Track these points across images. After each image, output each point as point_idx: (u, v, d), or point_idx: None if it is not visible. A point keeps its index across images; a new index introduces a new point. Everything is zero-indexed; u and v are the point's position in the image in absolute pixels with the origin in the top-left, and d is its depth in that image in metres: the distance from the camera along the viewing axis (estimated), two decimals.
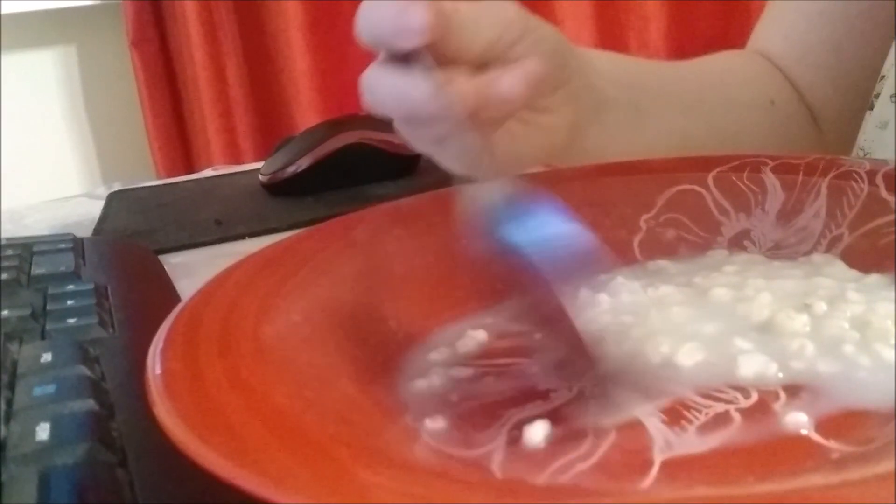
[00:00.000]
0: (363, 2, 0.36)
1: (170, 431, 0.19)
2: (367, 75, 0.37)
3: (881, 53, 0.54)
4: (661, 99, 0.51)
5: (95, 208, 0.64)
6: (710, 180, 0.36)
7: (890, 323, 0.26)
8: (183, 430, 0.19)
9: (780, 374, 0.25)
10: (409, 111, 0.36)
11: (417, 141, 0.39)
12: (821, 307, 0.27)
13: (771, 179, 0.35)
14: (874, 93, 0.51)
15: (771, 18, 0.61)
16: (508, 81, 0.36)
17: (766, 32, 0.61)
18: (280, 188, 0.62)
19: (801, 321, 0.27)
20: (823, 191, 0.34)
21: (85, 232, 0.54)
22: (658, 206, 0.36)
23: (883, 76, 0.51)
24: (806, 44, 0.57)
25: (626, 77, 0.50)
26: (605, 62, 0.49)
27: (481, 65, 0.37)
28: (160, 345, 0.24)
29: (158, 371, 0.23)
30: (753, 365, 0.26)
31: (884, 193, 0.32)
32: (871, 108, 0.51)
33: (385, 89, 0.37)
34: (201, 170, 0.87)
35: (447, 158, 0.37)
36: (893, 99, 0.53)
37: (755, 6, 1.05)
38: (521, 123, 0.41)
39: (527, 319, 0.30)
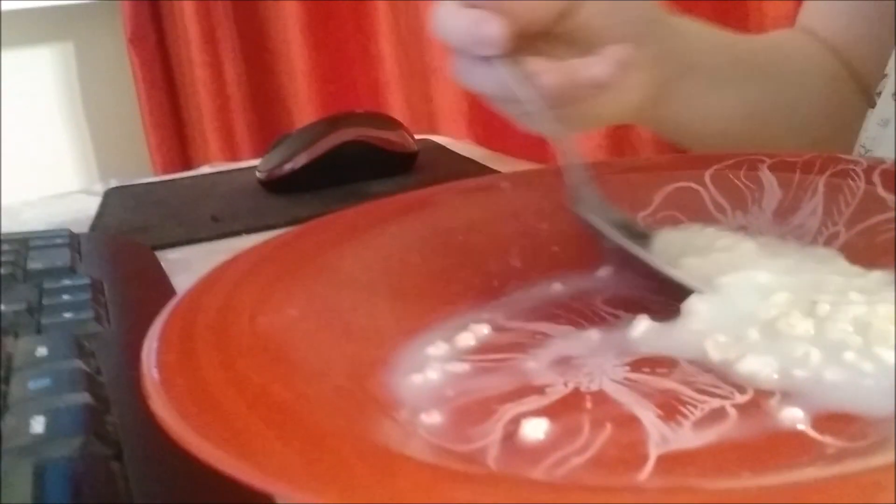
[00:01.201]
0: (439, 2, 0.37)
1: (164, 422, 0.19)
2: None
3: None
4: (737, 68, 0.51)
5: (92, 204, 0.64)
6: (707, 178, 0.36)
7: (890, 325, 0.25)
8: (178, 421, 0.19)
9: (776, 376, 0.25)
10: (491, 96, 0.39)
11: (503, 110, 0.40)
12: (824, 309, 0.27)
13: (768, 177, 0.35)
14: (876, 90, 0.51)
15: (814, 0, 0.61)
16: (599, 68, 0.37)
17: (810, 13, 0.60)
18: (277, 185, 0.62)
19: (804, 327, 0.26)
20: (820, 188, 0.34)
21: (82, 228, 0.54)
22: (655, 203, 0.36)
23: (885, 74, 0.51)
24: (852, 18, 0.57)
25: (707, 44, 0.50)
26: (690, 27, 0.49)
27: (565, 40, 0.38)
28: (156, 337, 0.24)
29: (154, 363, 0.22)
30: (755, 365, 0.26)
31: (881, 191, 0.32)
32: (873, 106, 0.51)
33: (467, 75, 0.39)
34: (198, 167, 0.87)
35: (535, 127, 0.39)
36: (895, 97, 0.53)
37: (753, 6, 1.05)
38: None
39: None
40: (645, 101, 0.44)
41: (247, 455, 0.18)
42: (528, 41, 0.39)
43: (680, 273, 0.30)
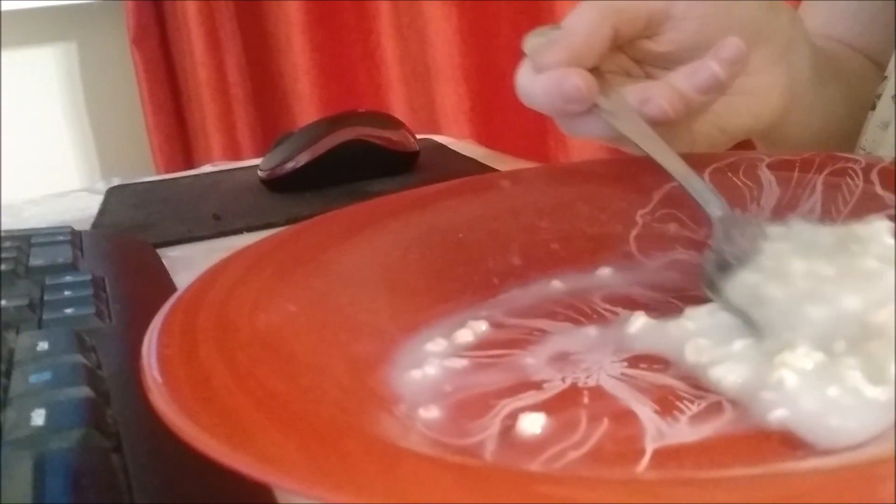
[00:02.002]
0: (520, 72, 0.37)
1: (164, 415, 0.20)
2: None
3: None
4: (829, 67, 0.50)
5: (94, 203, 0.64)
6: (706, 176, 0.36)
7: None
8: (178, 414, 0.19)
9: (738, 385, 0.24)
10: (609, 140, 0.38)
11: (614, 145, 0.39)
12: (840, 347, 0.25)
13: (767, 175, 0.35)
14: (876, 93, 0.51)
15: (817, 7, 0.59)
16: (708, 70, 0.35)
17: (817, 20, 0.59)
18: (279, 184, 0.62)
19: (803, 364, 0.24)
20: (819, 187, 0.34)
21: (84, 226, 0.54)
22: (654, 201, 0.36)
23: (885, 77, 0.51)
24: (857, 13, 0.56)
25: (817, 51, 0.48)
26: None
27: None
28: (156, 331, 0.24)
29: (154, 356, 0.23)
30: (721, 372, 0.25)
31: (879, 189, 0.32)
32: (873, 109, 0.51)
33: (573, 129, 0.38)
34: (200, 166, 0.87)
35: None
36: (894, 99, 0.53)
37: None
38: (724, 95, 0.39)
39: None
40: (782, 108, 0.42)
41: (246, 446, 0.18)
42: (620, 67, 0.38)
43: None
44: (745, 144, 0.50)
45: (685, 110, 0.36)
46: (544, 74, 0.36)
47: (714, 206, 0.32)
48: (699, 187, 0.33)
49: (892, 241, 0.28)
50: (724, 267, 0.30)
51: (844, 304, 0.25)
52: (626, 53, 0.40)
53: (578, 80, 0.35)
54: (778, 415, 0.23)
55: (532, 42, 0.39)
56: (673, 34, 0.39)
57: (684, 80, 0.36)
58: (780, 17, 0.43)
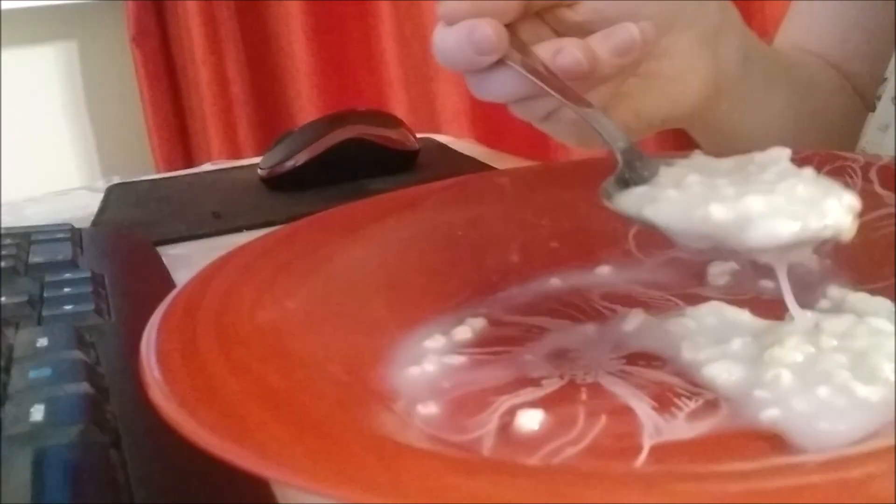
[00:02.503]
0: (435, 31, 0.37)
1: (163, 410, 0.20)
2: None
3: None
4: (782, 73, 0.50)
5: (94, 201, 0.64)
6: None
7: (885, 361, 0.24)
8: (176, 409, 0.19)
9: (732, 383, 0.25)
10: (514, 101, 0.37)
11: (526, 115, 0.39)
12: (830, 343, 0.25)
13: None
14: (876, 94, 0.51)
15: (800, 15, 0.60)
16: (622, 35, 0.35)
17: (798, 30, 0.60)
18: (279, 182, 0.62)
19: (793, 357, 0.25)
20: None
21: (84, 224, 0.54)
22: None
23: (885, 78, 0.51)
24: (842, 32, 0.56)
25: (759, 44, 0.48)
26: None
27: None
28: (155, 327, 0.24)
29: (153, 352, 0.23)
30: (716, 370, 0.25)
31: (877, 188, 0.32)
32: (873, 110, 0.51)
33: (482, 88, 0.37)
34: (200, 165, 0.87)
35: (559, 132, 0.38)
36: (895, 101, 0.53)
37: (755, 6, 1.05)
38: (641, 78, 0.39)
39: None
40: (704, 96, 0.42)
41: (245, 442, 0.18)
42: (538, 37, 0.37)
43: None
44: (677, 134, 0.50)
45: (598, 68, 0.35)
46: (455, 26, 0.36)
47: (618, 139, 0.32)
48: (604, 122, 0.33)
49: (788, 162, 0.28)
50: (623, 184, 0.30)
51: (747, 203, 0.26)
52: (545, 22, 0.40)
53: (489, 30, 0.35)
54: (770, 414, 0.23)
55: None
56: (592, 2, 0.39)
57: (600, 41, 0.36)
58: (706, 4, 0.43)
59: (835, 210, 0.26)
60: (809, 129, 0.52)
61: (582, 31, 0.37)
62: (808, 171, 0.28)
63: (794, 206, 0.26)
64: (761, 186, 0.27)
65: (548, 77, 0.35)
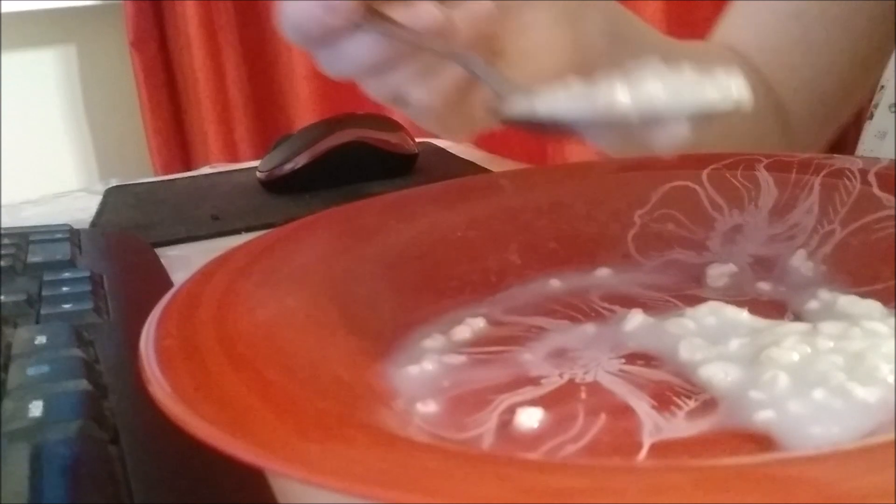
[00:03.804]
0: (284, 3, 0.36)
1: (163, 403, 0.20)
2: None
3: (852, 62, 0.53)
4: (654, 54, 0.50)
5: (92, 203, 0.64)
6: (704, 177, 0.36)
7: (882, 362, 0.24)
8: (176, 402, 0.19)
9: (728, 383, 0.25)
10: (370, 72, 0.36)
11: (380, 92, 0.38)
12: (827, 345, 0.25)
13: (764, 176, 0.35)
14: (873, 103, 0.51)
15: (739, 16, 0.59)
16: (480, 5, 0.35)
17: (733, 29, 0.59)
18: (277, 185, 0.62)
19: (789, 357, 0.25)
20: (816, 188, 0.34)
21: (82, 226, 0.54)
22: (652, 201, 0.36)
23: (882, 86, 0.51)
24: (778, 42, 0.56)
25: (632, 25, 0.48)
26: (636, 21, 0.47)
27: None
28: (155, 321, 0.24)
29: (152, 347, 0.23)
30: (712, 370, 0.25)
31: (876, 191, 0.33)
32: (871, 118, 0.51)
33: (336, 60, 0.36)
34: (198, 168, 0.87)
35: (413, 111, 0.37)
36: (892, 109, 0.54)
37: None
38: (498, 56, 0.38)
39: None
40: (564, 72, 0.40)
41: (247, 435, 0.18)
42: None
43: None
44: None
45: (453, 30, 0.34)
46: None
47: (495, 81, 0.33)
48: (482, 65, 0.33)
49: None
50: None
51: (646, 87, 0.27)
52: None
53: None
54: (764, 416, 0.23)
55: None
56: None
57: (454, 8, 0.35)
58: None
59: (729, 82, 0.28)
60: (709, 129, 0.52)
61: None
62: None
63: (690, 84, 0.27)
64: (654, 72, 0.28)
65: (409, 35, 0.34)
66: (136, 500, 0.21)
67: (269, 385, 0.21)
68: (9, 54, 1.44)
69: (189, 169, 1.36)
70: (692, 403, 0.24)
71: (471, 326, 0.31)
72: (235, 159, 1.38)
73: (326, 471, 0.17)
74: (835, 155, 0.35)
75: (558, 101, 0.29)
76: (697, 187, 0.36)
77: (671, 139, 0.27)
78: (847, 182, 0.33)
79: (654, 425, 0.23)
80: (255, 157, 1.14)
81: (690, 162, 0.37)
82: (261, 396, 0.20)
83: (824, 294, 0.31)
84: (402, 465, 0.17)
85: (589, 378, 0.26)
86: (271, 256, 0.30)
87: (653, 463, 0.21)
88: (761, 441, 0.22)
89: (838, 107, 0.55)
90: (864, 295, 0.30)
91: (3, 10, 1.38)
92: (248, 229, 0.53)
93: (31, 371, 0.27)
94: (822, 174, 0.34)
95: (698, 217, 0.35)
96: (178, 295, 0.26)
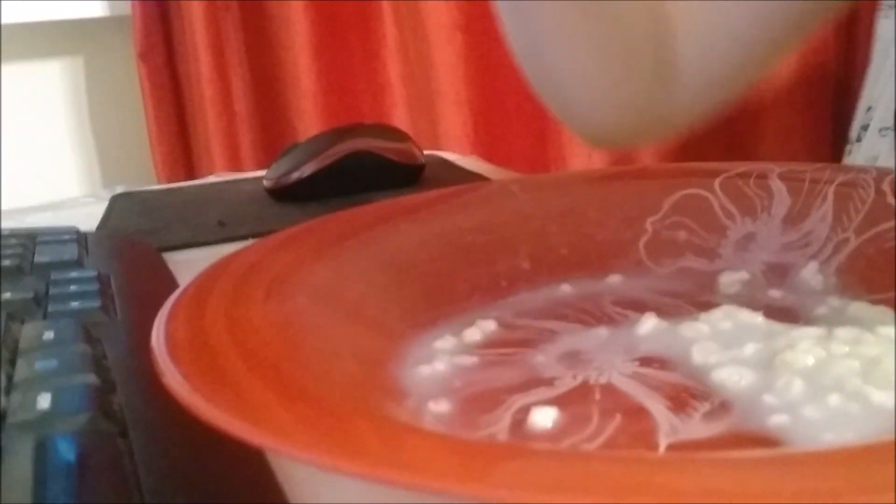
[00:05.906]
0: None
1: (177, 392, 0.19)
2: None
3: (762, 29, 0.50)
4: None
5: (98, 210, 0.64)
6: (716, 185, 0.36)
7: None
8: (191, 392, 0.19)
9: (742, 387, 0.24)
10: None
11: None
12: (842, 349, 0.25)
13: (777, 185, 0.35)
14: (861, 125, 0.51)
15: None
16: None
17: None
18: (284, 193, 0.62)
19: (804, 361, 0.25)
20: (830, 196, 0.34)
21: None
22: (664, 209, 0.36)
23: (869, 107, 0.51)
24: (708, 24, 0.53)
25: None
26: None
27: None
28: (166, 315, 0.24)
29: (164, 339, 0.22)
30: (725, 374, 0.25)
31: (890, 199, 0.32)
32: (859, 140, 0.51)
33: None
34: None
35: None
36: (882, 133, 0.53)
37: None
38: None
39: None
40: None
41: (262, 422, 0.18)
42: None
43: None
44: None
45: None
46: None
47: None
48: None
49: None
50: None
51: None
52: None
53: None
54: (777, 420, 0.23)
55: None
56: None
57: None
58: None
59: None
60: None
61: None
62: None
63: None
64: None
65: None
66: (145, 492, 0.21)
67: (283, 377, 0.21)
68: (17, 65, 1.44)
69: (193, 180, 1.36)
70: (707, 406, 0.24)
71: (482, 329, 0.30)
72: (239, 172, 1.38)
73: (340, 459, 0.16)
74: (848, 164, 0.35)
75: None
76: (710, 195, 0.36)
77: None
78: (861, 191, 0.33)
79: (671, 426, 0.23)
80: (259, 169, 1.14)
81: (703, 171, 0.37)
82: (275, 388, 0.20)
83: (834, 301, 0.30)
84: (414, 453, 0.17)
85: (603, 380, 0.26)
86: (282, 254, 0.30)
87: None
88: (776, 445, 0.22)
89: (737, 74, 0.53)
90: (877, 302, 0.29)
91: (10, 21, 1.39)
92: (255, 236, 0.53)
93: (38, 365, 0.27)
94: (835, 183, 0.34)
95: (710, 225, 0.35)
96: (188, 290, 0.26)
